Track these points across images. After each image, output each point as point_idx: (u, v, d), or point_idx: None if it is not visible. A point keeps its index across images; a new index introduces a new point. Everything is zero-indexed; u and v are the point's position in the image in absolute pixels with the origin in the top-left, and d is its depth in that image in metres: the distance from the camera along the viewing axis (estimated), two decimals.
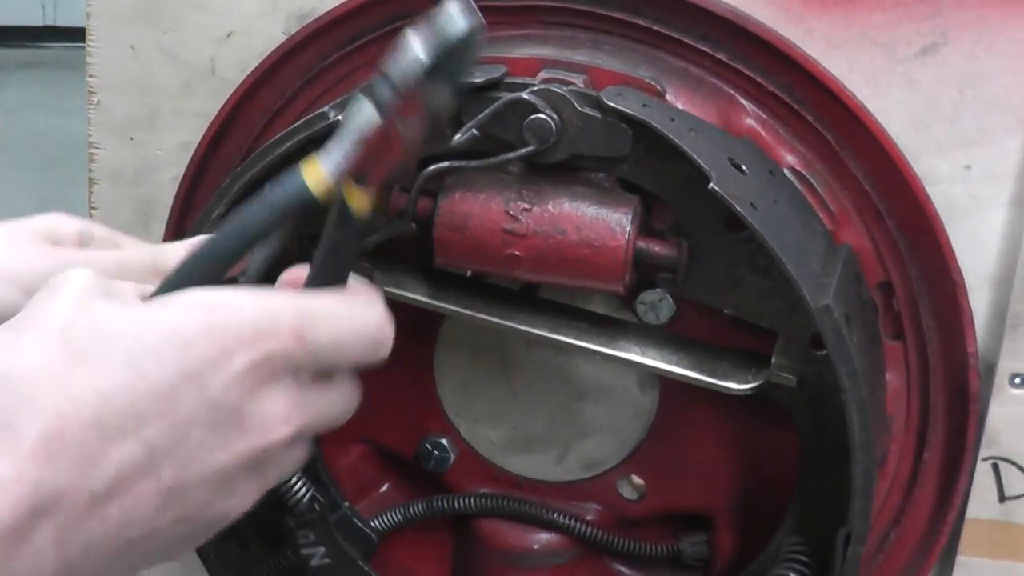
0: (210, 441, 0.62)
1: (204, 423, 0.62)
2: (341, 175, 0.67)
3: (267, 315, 0.64)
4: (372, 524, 1.15)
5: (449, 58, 0.65)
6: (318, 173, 0.68)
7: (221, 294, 0.65)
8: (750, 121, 1.02)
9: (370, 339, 0.70)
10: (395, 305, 1.03)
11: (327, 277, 0.71)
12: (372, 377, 1.15)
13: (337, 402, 0.71)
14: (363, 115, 0.66)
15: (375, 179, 0.68)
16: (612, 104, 0.92)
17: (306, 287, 0.71)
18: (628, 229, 0.94)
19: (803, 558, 0.99)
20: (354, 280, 0.72)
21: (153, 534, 0.61)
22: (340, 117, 0.74)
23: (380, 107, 0.66)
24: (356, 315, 0.69)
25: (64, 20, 6.04)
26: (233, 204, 0.99)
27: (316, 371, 0.68)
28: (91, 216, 1.21)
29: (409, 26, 0.65)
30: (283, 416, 0.65)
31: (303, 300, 0.67)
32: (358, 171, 0.67)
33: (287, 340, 0.64)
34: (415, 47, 0.65)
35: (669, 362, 1.00)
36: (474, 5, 0.65)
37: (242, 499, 0.66)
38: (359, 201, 0.68)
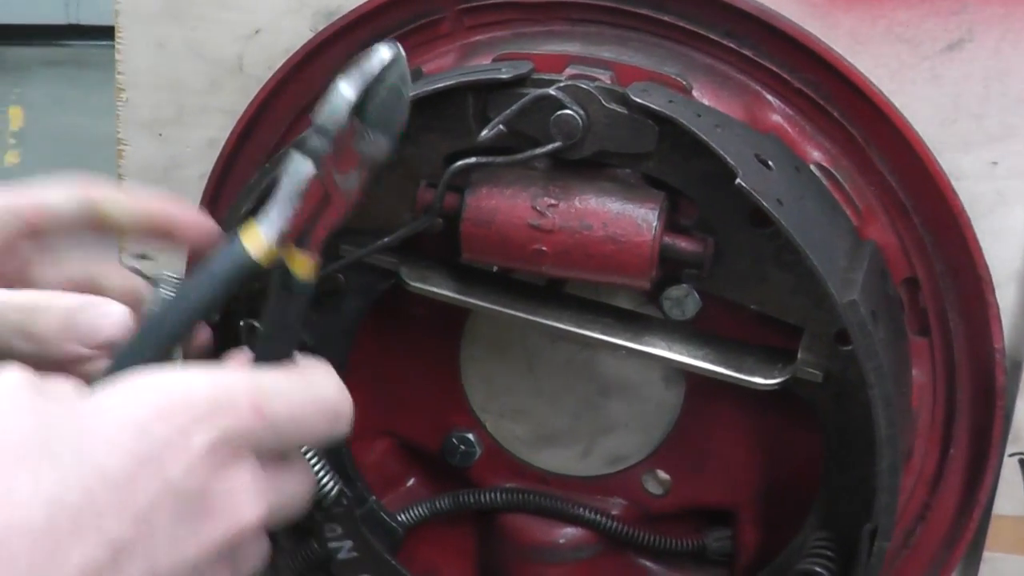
0: (178, 530, 0.58)
1: (169, 511, 0.57)
2: (282, 235, 0.64)
3: (223, 391, 0.60)
4: (398, 518, 1.16)
5: (377, 98, 0.62)
6: (257, 237, 0.64)
7: (171, 374, 0.61)
8: (776, 117, 1.03)
9: (331, 411, 0.66)
10: (421, 300, 1.05)
11: (275, 352, 0.68)
12: (398, 372, 1.16)
13: (297, 485, 0.67)
14: (298, 170, 0.63)
15: (317, 238, 0.65)
16: (638, 100, 0.92)
17: (254, 364, 0.68)
18: (654, 225, 0.94)
19: (828, 553, 0.99)
20: (302, 357, 0.69)
21: None
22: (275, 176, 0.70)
23: (314, 158, 0.63)
24: (313, 387, 0.66)
25: (87, 19, 6.08)
26: (261, 201, 0.99)
27: (276, 450, 0.64)
28: None
29: (338, 73, 0.64)
30: (253, 497, 0.61)
31: (258, 375, 0.64)
32: (298, 231, 0.64)
33: (246, 415, 0.61)
34: (341, 89, 0.62)
35: (695, 357, 1.00)
36: (400, 47, 0.64)
37: None
38: (302, 267, 0.65)
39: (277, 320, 0.68)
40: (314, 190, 0.63)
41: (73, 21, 6.18)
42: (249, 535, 0.61)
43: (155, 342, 0.65)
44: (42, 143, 5.07)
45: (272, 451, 0.64)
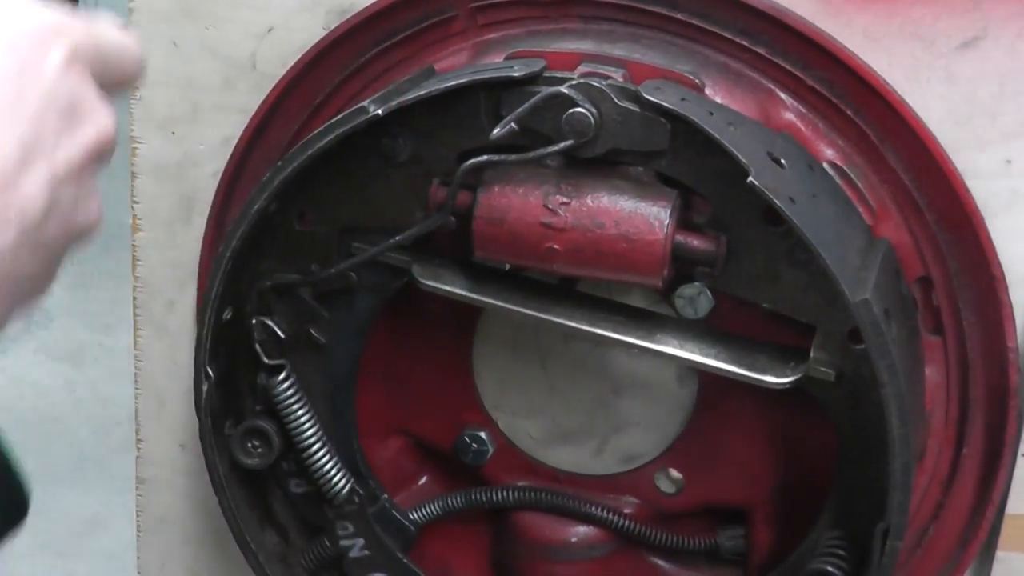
0: (64, 132, 0.63)
1: (54, 114, 0.62)
2: None
3: (59, 16, 0.65)
4: (411, 516, 1.16)
5: None
6: None
7: (4, 2, 0.64)
8: (789, 115, 1.02)
9: (136, 53, 0.71)
10: (434, 299, 1.05)
11: None
12: (411, 370, 1.16)
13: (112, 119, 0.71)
14: None
15: None
16: (650, 98, 0.92)
17: None
18: (666, 223, 0.94)
19: (841, 552, 0.99)
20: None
21: (42, 232, 0.61)
22: None
23: None
24: (111, 29, 0.70)
25: None
26: (275, 198, 0.99)
27: (98, 78, 0.68)
28: (132, 210, 1.22)
29: None
30: (108, 109, 0.66)
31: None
32: None
33: (83, 36, 0.65)
34: None
35: (707, 356, 1.00)
36: None
37: (94, 206, 0.66)
38: None
39: None
40: None
41: None
42: (110, 145, 0.66)
43: None
44: None
45: (96, 78, 0.67)
